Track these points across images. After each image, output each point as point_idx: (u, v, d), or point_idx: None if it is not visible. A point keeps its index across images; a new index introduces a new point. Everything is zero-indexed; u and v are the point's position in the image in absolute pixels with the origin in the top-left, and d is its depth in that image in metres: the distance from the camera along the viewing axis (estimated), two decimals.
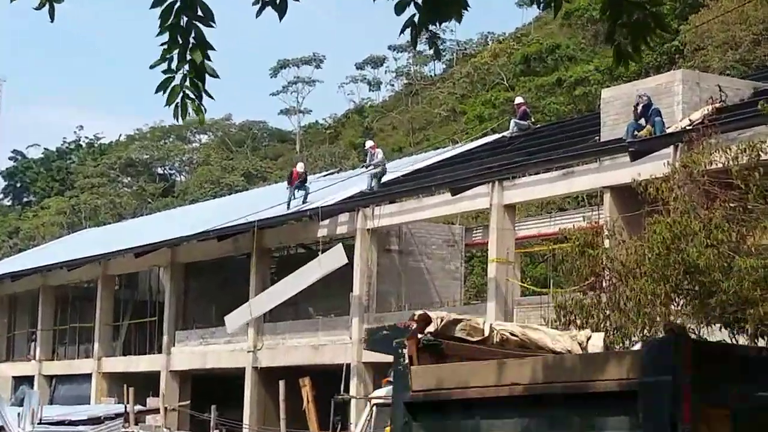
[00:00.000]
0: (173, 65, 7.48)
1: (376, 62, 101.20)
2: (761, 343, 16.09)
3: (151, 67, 7.57)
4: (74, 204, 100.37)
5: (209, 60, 7.49)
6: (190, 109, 7.63)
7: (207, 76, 7.53)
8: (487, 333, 11.41)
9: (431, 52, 8.43)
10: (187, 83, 7.51)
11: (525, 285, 33.39)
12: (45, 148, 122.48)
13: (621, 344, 15.56)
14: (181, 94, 7.52)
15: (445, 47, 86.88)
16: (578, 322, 16.03)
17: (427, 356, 10.73)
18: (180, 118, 7.67)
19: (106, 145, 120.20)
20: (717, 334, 16.01)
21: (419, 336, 10.80)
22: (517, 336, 11.63)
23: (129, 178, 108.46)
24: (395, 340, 10.82)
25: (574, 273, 16.82)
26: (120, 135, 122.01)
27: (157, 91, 7.56)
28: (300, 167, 38.84)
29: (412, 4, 7.30)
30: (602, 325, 15.68)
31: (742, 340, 16.02)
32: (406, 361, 10.54)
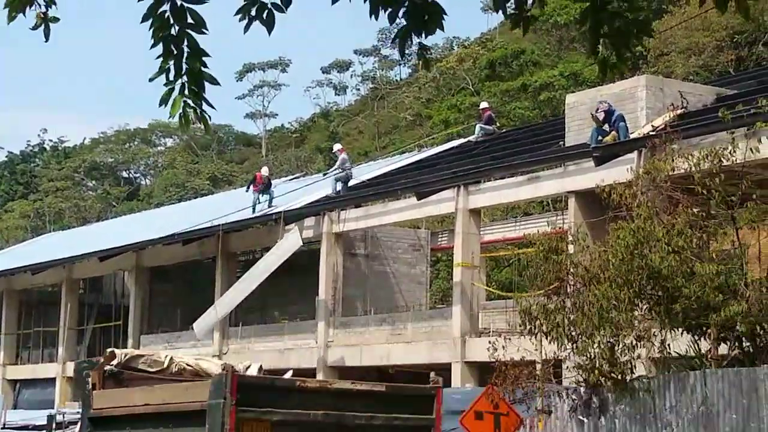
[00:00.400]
0: (171, 76, 7.52)
1: (342, 66, 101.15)
2: (722, 346, 16.24)
3: (150, 80, 7.62)
4: (38, 207, 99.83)
5: (206, 67, 7.54)
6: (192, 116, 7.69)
7: (206, 84, 7.58)
8: (166, 365, 14.81)
9: (406, 58, 8.49)
10: (187, 92, 7.55)
11: (490, 289, 33.51)
12: (9, 152, 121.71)
13: (588, 349, 15.66)
14: (183, 104, 7.57)
15: (409, 52, 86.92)
16: (543, 327, 16.14)
17: (111, 383, 14.31)
18: (185, 128, 7.74)
19: (71, 148, 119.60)
20: (680, 338, 16.15)
21: (106, 368, 14.28)
22: (192, 366, 14.99)
23: (94, 182, 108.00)
24: (84, 371, 14.51)
25: (538, 278, 16.92)
26: (84, 138, 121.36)
27: (160, 105, 7.60)
28: (264, 171, 38.81)
29: (402, 14, 7.36)
30: (567, 330, 15.78)
31: (705, 343, 16.17)
32: (90, 387, 14.16)
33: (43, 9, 7.76)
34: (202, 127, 7.95)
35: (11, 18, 7.76)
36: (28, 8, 7.71)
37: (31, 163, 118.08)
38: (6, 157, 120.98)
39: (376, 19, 7.39)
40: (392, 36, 7.74)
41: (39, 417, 38.36)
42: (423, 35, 7.51)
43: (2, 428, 35.21)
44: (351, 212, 33.54)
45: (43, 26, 7.81)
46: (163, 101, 7.61)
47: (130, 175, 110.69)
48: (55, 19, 7.86)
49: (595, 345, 15.67)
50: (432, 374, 13.35)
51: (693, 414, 15.11)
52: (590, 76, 52.57)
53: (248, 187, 38.87)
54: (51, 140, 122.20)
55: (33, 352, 49.82)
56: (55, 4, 7.81)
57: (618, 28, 7.43)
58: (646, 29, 7.63)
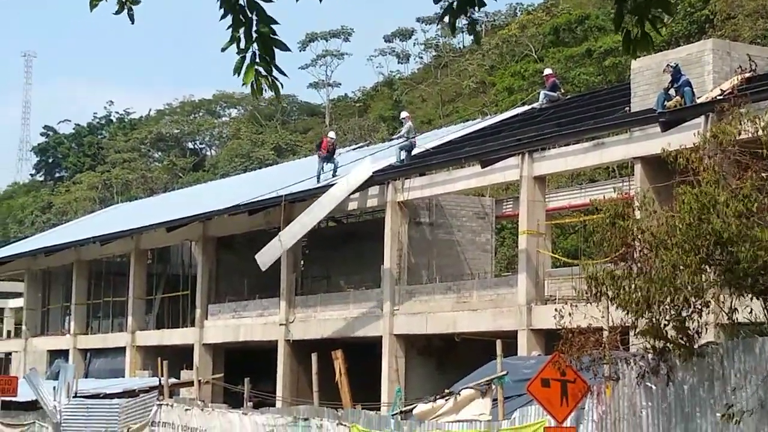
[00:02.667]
0: (242, 45, 7.57)
1: (405, 35, 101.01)
2: None
3: (223, 49, 7.70)
4: (106, 179, 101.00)
5: (275, 34, 7.57)
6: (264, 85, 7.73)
7: (276, 51, 7.62)
8: None
9: (467, 32, 8.43)
10: (258, 60, 7.61)
11: (556, 256, 33.39)
12: (76, 124, 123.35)
13: (653, 316, 15.58)
14: (255, 73, 7.62)
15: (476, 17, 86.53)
16: (610, 293, 16.06)
17: None
18: (257, 95, 7.79)
19: (137, 120, 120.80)
20: (749, 304, 16.00)
21: None
22: None
23: (160, 153, 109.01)
24: None
25: (605, 244, 16.78)
26: (150, 110, 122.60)
27: (234, 73, 7.67)
28: (332, 135, 38.85)
29: None
30: (634, 296, 15.69)
31: None
32: None
33: None
34: (274, 94, 7.99)
35: (94, 5, 7.83)
36: None
37: (98, 135, 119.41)
38: (73, 129, 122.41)
39: None
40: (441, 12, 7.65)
41: (109, 385, 38.97)
42: (476, 8, 7.48)
43: (74, 396, 35.73)
44: (415, 181, 33.53)
45: (126, 10, 7.87)
46: (236, 70, 7.67)
47: (196, 146, 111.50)
48: (137, 1, 7.92)
49: (663, 311, 15.56)
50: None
51: (761, 379, 15.00)
52: (656, 40, 51.98)
53: (317, 153, 38.77)
54: (117, 112, 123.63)
55: (103, 321, 50.47)
56: None
57: (643, 3, 7.36)
58: (667, 6, 7.54)
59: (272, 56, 7.62)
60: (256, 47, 7.59)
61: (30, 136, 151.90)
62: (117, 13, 7.85)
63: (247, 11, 7.51)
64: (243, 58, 7.61)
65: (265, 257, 34.93)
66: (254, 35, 7.55)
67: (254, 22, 7.53)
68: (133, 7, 7.89)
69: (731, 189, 15.39)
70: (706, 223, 15.08)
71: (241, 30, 7.56)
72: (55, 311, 54.76)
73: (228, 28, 7.58)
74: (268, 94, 7.86)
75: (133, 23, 7.98)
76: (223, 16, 7.56)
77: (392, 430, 21.91)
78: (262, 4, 7.52)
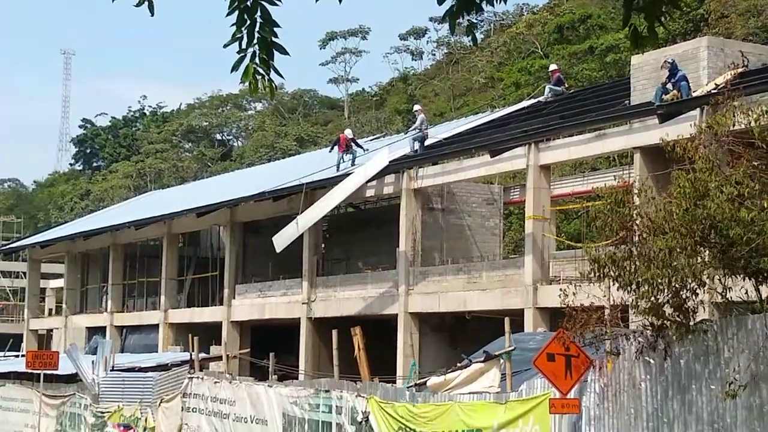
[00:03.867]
0: (243, 44, 7.49)
1: (419, 33, 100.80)
2: None
3: (225, 46, 7.60)
4: (140, 168, 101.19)
5: (276, 37, 7.51)
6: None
7: (275, 53, 7.55)
8: None
9: (465, 34, 8.39)
10: (257, 60, 7.53)
11: (560, 240, 33.35)
12: (112, 117, 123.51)
13: (651, 295, 15.57)
14: (253, 71, 7.53)
15: (482, 18, 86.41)
16: (611, 274, 16.05)
17: None
18: (253, 92, 7.71)
19: (168, 113, 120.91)
20: (741, 283, 15.97)
21: None
22: None
23: (190, 144, 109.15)
24: None
25: (606, 228, 16.76)
26: (181, 104, 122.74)
27: (232, 70, 7.58)
28: (348, 133, 38.87)
29: None
30: (634, 276, 15.68)
31: (765, 289, 15.99)
32: None
33: None
34: (268, 94, 7.90)
35: None
36: None
37: (133, 128, 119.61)
38: (109, 122, 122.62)
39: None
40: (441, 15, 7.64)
41: (144, 360, 39.13)
42: (474, 12, 7.45)
43: (111, 370, 35.89)
44: (428, 169, 33.52)
45: (146, 3, 7.80)
46: (235, 67, 7.58)
47: (224, 138, 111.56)
48: None
49: (660, 290, 15.55)
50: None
51: (753, 354, 14.99)
52: (641, 53, 51.76)
53: (331, 148, 38.96)
54: (150, 106, 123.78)
55: (137, 300, 50.60)
56: None
57: (649, 1, 7.29)
58: (675, 3, 7.47)
59: (271, 57, 7.55)
60: (257, 47, 7.51)
61: (69, 129, 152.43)
62: (138, 5, 7.75)
63: (253, 13, 7.44)
64: (243, 57, 7.53)
65: (281, 239, 35.00)
66: (257, 36, 7.47)
67: (258, 24, 7.45)
68: (154, 0, 7.78)
69: (724, 176, 15.36)
70: (701, 208, 15.05)
71: (244, 29, 7.47)
72: (93, 291, 54.94)
73: (231, 26, 7.50)
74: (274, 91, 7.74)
75: (152, 15, 7.82)
76: (229, 14, 7.49)
77: (407, 401, 21.95)
78: (268, 6, 7.46)
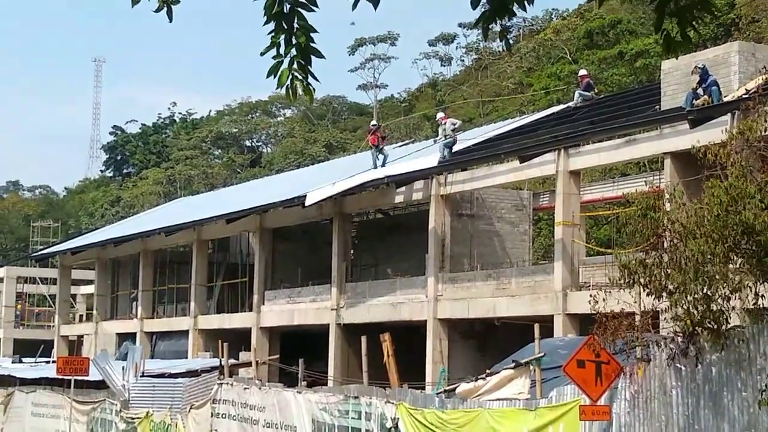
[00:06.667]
0: (281, 50, 7.49)
1: (448, 39, 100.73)
2: None
3: (262, 54, 7.60)
4: (170, 174, 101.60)
5: (313, 43, 7.50)
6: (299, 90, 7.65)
7: (312, 57, 7.54)
8: None
9: (499, 39, 8.35)
10: (295, 66, 7.53)
11: (590, 246, 33.21)
12: (142, 124, 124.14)
13: (684, 301, 15.45)
14: (291, 76, 7.53)
15: (512, 24, 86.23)
16: (642, 280, 15.96)
17: None
18: (292, 98, 7.71)
19: (198, 120, 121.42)
20: None
21: None
22: None
23: (219, 150, 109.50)
24: None
25: (636, 234, 16.68)
26: (210, 111, 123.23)
27: (268, 76, 7.59)
28: (373, 123, 38.91)
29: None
30: (664, 283, 15.58)
31: None
32: None
33: None
34: (307, 99, 7.89)
35: (135, 1, 7.76)
36: None
37: (163, 134, 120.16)
38: (139, 129, 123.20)
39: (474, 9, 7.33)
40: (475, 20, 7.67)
41: (174, 366, 39.23)
42: (507, 18, 7.42)
43: (141, 376, 36.00)
44: (457, 175, 33.46)
45: (165, 9, 7.80)
46: (272, 72, 7.58)
47: (253, 144, 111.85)
48: (176, 1, 7.82)
49: (692, 296, 15.44)
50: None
51: None
52: (675, 58, 51.51)
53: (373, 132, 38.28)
54: (180, 113, 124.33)
55: (167, 306, 50.78)
56: None
57: (684, 6, 7.24)
58: (708, 7, 7.42)
59: (309, 62, 7.56)
60: (294, 52, 7.51)
61: (100, 136, 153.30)
62: (157, 10, 7.76)
63: (290, 20, 7.44)
64: (280, 62, 7.54)
65: (312, 197, 35.29)
66: (294, 41, 7.48)
67: (295, 29, 7.45)
68: (181, 8, 7.80)
69: (757, 183, 15.24)
70: (733, 214, 14.94)
71: (282, 36, 7.49)
72: (124, 297, 55.17)
73: (269, 33, 7.51)
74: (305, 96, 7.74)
75: (171, 21, 7.83)
76: (266, 23, 7.50)
77: (437, 408, 21.90)
78: (304, 13, 7.46)
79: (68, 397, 38.31)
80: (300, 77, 7.57)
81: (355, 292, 37.54)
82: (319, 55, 7.56)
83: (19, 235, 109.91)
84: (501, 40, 7.76)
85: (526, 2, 7.39)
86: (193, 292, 46.71)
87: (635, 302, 16.95)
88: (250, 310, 42.82)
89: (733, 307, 15.80)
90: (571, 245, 28.83)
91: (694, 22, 7.31)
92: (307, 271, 40.55)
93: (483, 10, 7.34)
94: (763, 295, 15.62)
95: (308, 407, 26.62)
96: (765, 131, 16.31)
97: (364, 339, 27.14)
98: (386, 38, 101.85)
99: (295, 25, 7.44)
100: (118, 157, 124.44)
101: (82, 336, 58.47)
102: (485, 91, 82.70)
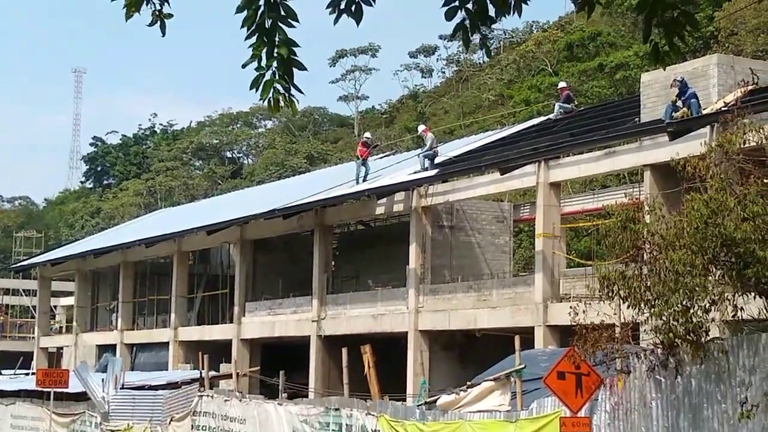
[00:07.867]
0: (263, 63, 7.51)
1: (428, 51, 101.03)
2: None
3: (244, 66, 7.61)
4: (150, 186, 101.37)
5: (295, 56, 7.51)
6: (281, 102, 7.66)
7: (294, 70, 7.55)
8: None
9: (479, 47, 8.39)
10: (277, 78, 7.54)
11: (570, 257, 33.28)
12: (123, 135, 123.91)
13: (664, 313, 15.50)
14: (272, 89, 7.55)
15: (492, 36, 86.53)
16: (621, 292, 16.00)
17: None
18: (274, 110, 7.72)
19: (179, 131, 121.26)
20: (752, 302, 15.91)
21: None
22: None
23: (200, 162, 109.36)
24: None
25: (616, 246, 16.74)
26: (191, 121, 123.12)
27: (251, 88, 7.60)
28: (367, 136, 38.98)
29: (462, 9, 7.30)
30: (644, 294, 15.62)
31: None
32: None
33: (158, 7, 7.80)
34: (290, 111, 7.91)
35: (129, 15, 7.80)
36: (144, 6, 7.76)
37: (143, 145, 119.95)
38: (120, 140, 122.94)
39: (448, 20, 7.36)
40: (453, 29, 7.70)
41: (154, 378, 39.08)
42: (487, 26, 7.45)
43: (121, 388, 35.86)
44: (438, 187, 33.50)
45: (158, 23, 7.85)
46: (254, 85, 7.59)
47: (234, 155, 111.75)
48: (169, 16, 7.88)
49: (671, 308, 15.48)
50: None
51: (765, 372, 14.92)
52: (663, 69, 51.76)
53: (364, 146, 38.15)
54: (161, 124, 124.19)
55: (148, 318, 50.60)
56: (167, 2, 7.84)
57: (670, 18, 7.33)
58: (693, 22, 7.51)
59: (291, 75, 7.57)
60: (276, 65, 7.53)
61: (80, 146, 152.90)
62: (150, 24, 7.81)
63: (271, 33, 7.45)
64: (261, 75, 7.55)
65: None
66: (275, 54, 7.49)
67: (276, 43, 7.47)
68: (166, 21, 7.84)
69: (736, 195, 15.31)
70: (712, 227, 15.00)
71: (264, 49, 7.50)
72: (104, 308, 54.93)
73: (250, 47, 7.52)
74: (287, 108, 7.76)
75: (164, 35, 7.90)
76: (248, 37, 7.51)
77: (417, 420, 21.89)
78: (285, 28, 7.47)
79: (48, 410, 38.11)
80: (282, 90, 7.57)
81: (336, 303, 37.50)
82: (302, 68, 7.57)
83: None
84: (481, 48, 7.79)
85: (512, 8, 7.41)
86: (173, 303, 46.57)
87: (615, 314, 16.99)
88: (231, 321, 42.72)
89: (713, 319, 15.86)
90: (551, 257, 28.89)
91: (680, 34, 7.39)
92: (288, 283, 40.49)
93: (461, 18, 7.36)
94: (742, 308, 15.69)
95: (289, 419, 26.56)
96: (744, 144, 16.39)
97: (344, 351, 27.11)
98: (367, 50, 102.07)
99: (276, 39, 7.46)
100: (99, 168, 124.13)
101: (61, 348, 58.18)
102: (466, 102, 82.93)
